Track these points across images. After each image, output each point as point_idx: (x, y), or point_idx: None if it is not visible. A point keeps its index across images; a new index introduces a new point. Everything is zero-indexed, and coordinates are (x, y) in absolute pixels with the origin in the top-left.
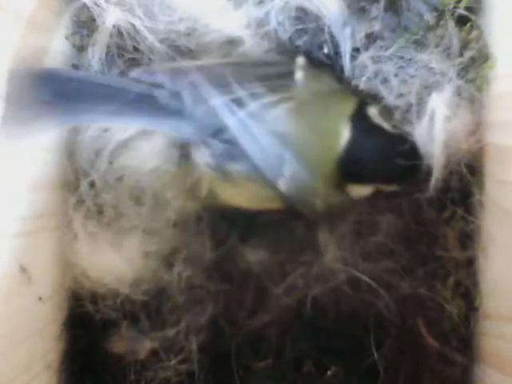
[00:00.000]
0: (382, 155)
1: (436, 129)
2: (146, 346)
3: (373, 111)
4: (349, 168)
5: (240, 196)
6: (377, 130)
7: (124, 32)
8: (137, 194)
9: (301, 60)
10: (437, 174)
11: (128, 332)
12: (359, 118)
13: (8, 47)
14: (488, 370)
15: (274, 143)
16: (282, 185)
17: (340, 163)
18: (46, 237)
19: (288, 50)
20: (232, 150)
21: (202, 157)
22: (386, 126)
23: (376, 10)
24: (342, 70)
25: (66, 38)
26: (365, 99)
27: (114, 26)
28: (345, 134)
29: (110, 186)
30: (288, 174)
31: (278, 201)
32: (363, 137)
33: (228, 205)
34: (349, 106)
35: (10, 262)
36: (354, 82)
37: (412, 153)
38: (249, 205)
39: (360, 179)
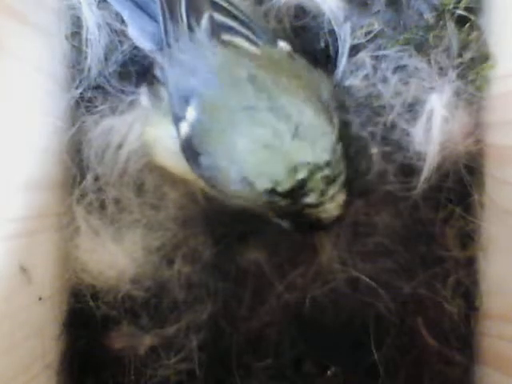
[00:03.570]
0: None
1: (433, 129)
2: (145, 342)
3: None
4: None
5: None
6: None
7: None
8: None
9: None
10: (428, 174)
11: (128, 329)
12: None
13: None
14: (488, 370)
15: (195, 76)
16: (182, 130)
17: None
18: (46, 237)
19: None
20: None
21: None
22: None
23: (377, 6)
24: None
25: (66, 38)
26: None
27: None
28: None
29: (112, 181)
30: (190, 119)
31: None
32: None
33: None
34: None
35: (10, 262)
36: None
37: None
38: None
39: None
